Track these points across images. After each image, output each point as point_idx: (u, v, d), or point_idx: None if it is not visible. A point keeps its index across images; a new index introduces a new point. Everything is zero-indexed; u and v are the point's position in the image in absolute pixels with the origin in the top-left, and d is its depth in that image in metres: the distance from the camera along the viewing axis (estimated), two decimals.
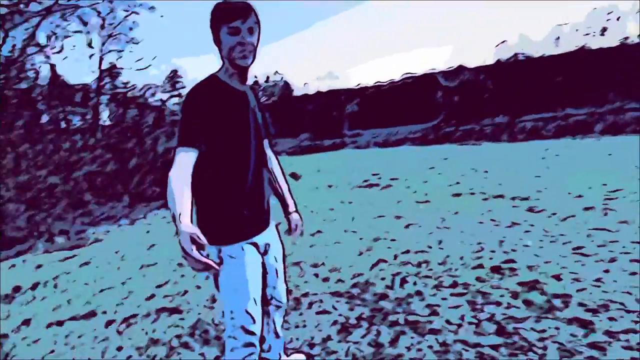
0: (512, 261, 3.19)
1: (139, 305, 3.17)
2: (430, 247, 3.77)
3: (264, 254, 1.65)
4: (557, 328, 2.17)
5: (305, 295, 2.98)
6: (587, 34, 22.26)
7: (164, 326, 2.77)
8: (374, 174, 9.02)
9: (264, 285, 1.70)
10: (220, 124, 1.42)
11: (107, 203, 8.07)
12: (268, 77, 28.84)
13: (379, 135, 21.47)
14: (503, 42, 22.51)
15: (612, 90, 17.77)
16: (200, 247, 1.17)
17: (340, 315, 2.62)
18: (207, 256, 1.20)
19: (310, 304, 2.83)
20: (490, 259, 3.29)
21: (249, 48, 1.45)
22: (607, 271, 2.83)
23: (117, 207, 7.95)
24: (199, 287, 3.37)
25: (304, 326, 2.53)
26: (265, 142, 1.70)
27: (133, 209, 7.93)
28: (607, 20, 21.74)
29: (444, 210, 5.17)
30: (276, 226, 1.74)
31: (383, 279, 3.13)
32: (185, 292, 3.34)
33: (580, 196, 5.09)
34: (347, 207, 5.98)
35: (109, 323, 2.92)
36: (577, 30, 22.74)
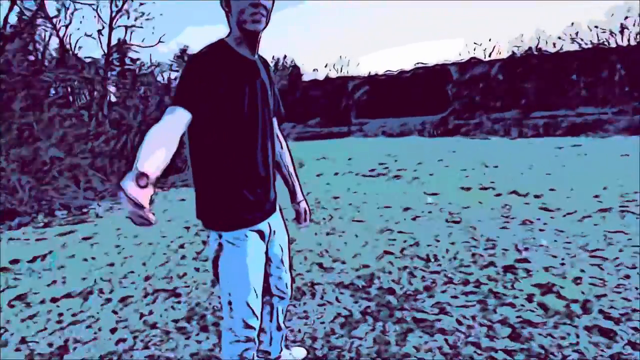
0: (527, 261, 3.05)
1: (136, 286, 3.07)
2: (438, 241, 3.63)
3: (269, 241, 1.51)
4: (577, 335, 2.04)
5: (308, 285, 2.87)
6: (604, 31, 21.62)
7: (160, 309, 2.67)
8: (380, 164, 8.85)
9: (267, 274, 1.57)
10: (224, 93, 1.25)
11: (111, 180, 7.99)
12: (278, 60, 28.44)
13: (386, 124, 21.20)
14: (520, 35, 21.91)
15: (627, 89, 17.33)
16: (138, 207, 0.92)
17: (344, 308, 2.51)
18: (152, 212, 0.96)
19: (313, 294, 2.72)
20: (504, 256, 3.15)
21: (262, 11, 1.28)
22: (627, 277, 2.68)
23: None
24: (197, 270, 3.27)
25: (306, 317, 2.42)
26: (275, 121, 1.55)
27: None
28: (626, 18, 21.08)
29: (454, 203, 5.01)
30: (281, 212, 1.61)
31: (390, 272, 3.01)
32: (185, 274, 3.24)
33: (596, 196, 4.91)
34: (353, 196, 5.84)
35: (104, 302, 2.83)
36: (595, 26, 22.09)
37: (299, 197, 1.69)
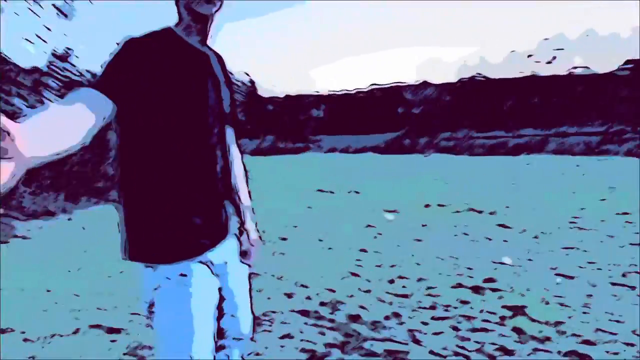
0: (493, 280, 2.97)
1: (64, 321, 2.61)
2: (403, 261, 3.49)
3: (222, 275, 1.22)
4: None
5: (267, 315, 2.58)
6: (538, 62, 23.58)
7: (92, 349, 2.26)
8: (337, 181, 8.75)
9: (220, 314, 1.28)
10: (164, 86, 0.98)
11: (42, 194, 7.18)
12: (232, 74, 27.94)
13: (342, 141, 21.43)
14: (464, 62, 23.29)
15: (559, 114, 18.88)
16: None
17: (307, 341, 2.25)
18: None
19: (273, 325, 2.43)
20: (470, 277, 3.06)
21: None
22: (590, 295, 2.67)
23: (56, 199, 7.09)
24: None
25: (264, 354, 2.13)
26: (230, 131, 1.30)
27: (75, 202, 7.11)
28: (555, 50, 23.19)
29: (414, 221, 4.95)
30: (239, 232, 1.34)
31: (355, 296, 2.80)
32: (126, 303, 2.82)
33: (548, 213, 5.07)
34: (311, 213, 5.62)
35: (23, 341, 2.35)
36: (529, 56, 24.03)
37: (250, 225, 1.35)
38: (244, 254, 1.33)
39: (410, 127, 21.46)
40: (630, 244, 3.73)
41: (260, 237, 1.38)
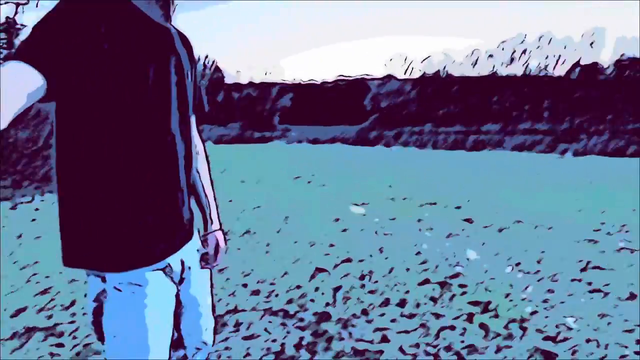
0: (459, 275, 3.00)
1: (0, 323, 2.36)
2: (371, 256, 3.46)
3: (181, 281, 1.05)
4: None
5: (230, 313, 2.45)
6: (502, 63, 24.52)
7: (34, 354, 2.04)
8: (304, 171, 8.64)
9: (178, 321, 1.14)
10: (114, 59, 0.81)
11: None
12: (198, 59, 26.88)
13: (309, 131, 21.33)
14: (428, 57, 23.76)
15: (516, 112, 19.76)
16: None
17: (274, 341, 2.15)
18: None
19: (237, 325, 2.31)
20: (436, 272, 3.07)
21: None
22: (551, 291, 2.75)
23: None
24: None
25: (228, 353, 2.02)
26: (193, 119, 1.11)
27: (18, 189, 6.55)
28: (514, 52, 24.23)
29: (381, 214, 4.95)
30: (203, 233, 1.21)
31: (323, 293, 2.72)
32: (73, 302, 2.59)
33: (509, 207, 5.23)
34: (278, 205, 5.49)
35: None
36: (490, 56, 24.92)
37: (215, 225, 1.20)
38: (206, 257, 1.19)
39: (376, 120, 21.69)
40: (587, 239, 3.91)
41: (225, 238, 1.25)
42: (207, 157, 1.22)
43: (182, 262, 1.03)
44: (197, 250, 1.14)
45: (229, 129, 21.68)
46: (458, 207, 5.34)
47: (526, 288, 2.77)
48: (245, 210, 5.11)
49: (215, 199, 1.23)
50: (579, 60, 20.87)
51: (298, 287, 2.82)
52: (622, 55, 19.74)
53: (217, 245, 1.23)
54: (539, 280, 2.93)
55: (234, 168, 8.98)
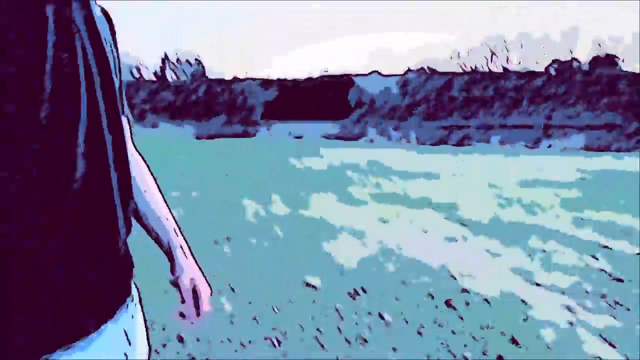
0: (466, 291, 2.71)
1: None
2: (365, 270, 3.14)
3: None
4: None
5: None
6: (487, 60, 24.79)
7: None
8: (294, 165, 8.28)
9: None
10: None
11: None
12: (178, 58, 25.90)
13: (293, 127, 20.99)
14: (412, 54, 23.69)
15: (505, 107, 19.92)
16: None
17: None
18: None
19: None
20: (441, 287, 2.77)
21: None
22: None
23: None
24: None
25: None
26: (125, 120, 0.65)
27: None
28: (493, 48, 24.55)
29: (374, 217, 4.65)
30: (175, 284, 0.80)
31: (313, 317, 2.38)
32: None
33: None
34: (266, 205, 5.12)
35: None
36: (469, 52, 25.15)
37: (180, 258, 0.76)
38: (183, 313, 0.76)
39: (360, 116, 21.49)
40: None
41: (203, 279, 0.78)
42: (150, 172, 0.80)
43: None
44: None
45: (209, 124, 21.11)
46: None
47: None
48: (227, 210, 4.73)
49: (177, 225, 0.79)
50: None
51: (277, 308, 2.46)
52: None
53: (191, 290, 0.76)
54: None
55: (215, 165, 8.52)
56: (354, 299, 2.56)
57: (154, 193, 0.78)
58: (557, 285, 2.76)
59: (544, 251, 3.49)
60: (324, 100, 21.89)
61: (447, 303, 2.48)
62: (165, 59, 25.76)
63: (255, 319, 2.27)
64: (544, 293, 2.64)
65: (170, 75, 25.62)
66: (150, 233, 0.77)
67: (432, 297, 2.57)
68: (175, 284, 0.77)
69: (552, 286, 2.74)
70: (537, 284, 2.78)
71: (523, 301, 2.51)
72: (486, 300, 2.53)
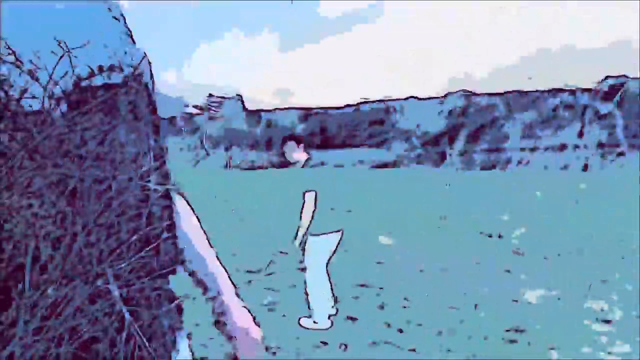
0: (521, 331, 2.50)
1: None
2: (408, 301, 3.01)
3: None
4: None
5: None
6: (525, 78, 23.76)
7: None
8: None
9: None
10: None
11: None
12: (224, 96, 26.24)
13: (330, 156, 21.09)
14: (451, 77, 23.34)
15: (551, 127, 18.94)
16: None
17: None
18: None
19: None
20: (496, 323, 2.58)
21: None
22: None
23: None
24: None
25: None
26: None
27: None
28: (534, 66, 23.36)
29: (414, 246, 4.49)
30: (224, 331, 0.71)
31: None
32: None
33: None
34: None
35: None
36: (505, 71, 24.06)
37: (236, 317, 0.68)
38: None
39: (395, 141, 21.30)
40: None
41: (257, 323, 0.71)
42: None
43: None
44: None
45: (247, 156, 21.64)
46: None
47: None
48: (269, 241, 4.75)
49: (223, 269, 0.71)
50: None
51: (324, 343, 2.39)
52: None
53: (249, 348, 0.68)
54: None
55: (259, 194, 8.66)
56: None
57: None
58: None
59: None
60: (362, 127, 21.92)
61: None
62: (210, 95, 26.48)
63: None
64: None
65: None
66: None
67: None
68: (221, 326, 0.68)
69: None
70: None
71: None
72: None
